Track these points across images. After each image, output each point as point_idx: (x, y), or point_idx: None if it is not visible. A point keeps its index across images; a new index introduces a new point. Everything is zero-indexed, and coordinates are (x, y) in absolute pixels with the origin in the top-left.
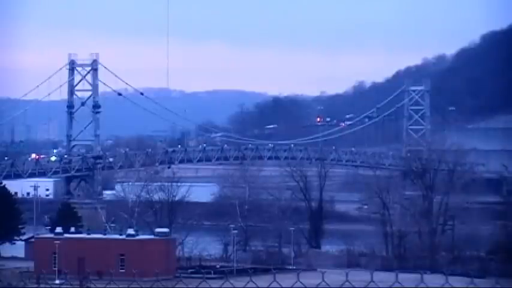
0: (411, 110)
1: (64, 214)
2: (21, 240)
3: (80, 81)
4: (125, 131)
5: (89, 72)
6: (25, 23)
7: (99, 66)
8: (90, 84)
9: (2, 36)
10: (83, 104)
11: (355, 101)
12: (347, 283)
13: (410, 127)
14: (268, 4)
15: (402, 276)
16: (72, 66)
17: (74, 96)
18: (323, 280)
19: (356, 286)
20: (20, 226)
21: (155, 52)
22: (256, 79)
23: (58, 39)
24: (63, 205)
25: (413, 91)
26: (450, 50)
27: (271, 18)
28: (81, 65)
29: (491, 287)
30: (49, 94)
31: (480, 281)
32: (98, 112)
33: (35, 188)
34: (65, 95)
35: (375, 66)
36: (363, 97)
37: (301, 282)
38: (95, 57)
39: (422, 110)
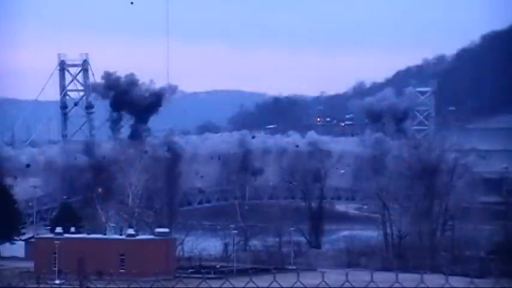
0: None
1: (64, 214)
2: (21, 240)
3: (71, 81)
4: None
5: (79, 72)
6: (25, 23)
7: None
8: (81, 84)
9: (2, 36)
10: (75, 104)
11: (355, 101)
12: (347, 283)
13: (413, 127)
14: (269, 4)
15: (402, 276)
16: (62, 67)
17: (67, 96)
18: (323, 280)
19: (356, 286)
20: (20, 226)
21: (155, 52)
22: (256, 79)
23: (58, 39)
24: (63, 205)
25: (420, 92)
26: (450, 50)
27: (272, 18)
28: (72, 65)
29: (491, 287)
30: (46, 94)
31: (480, 281)
32: (91, 113)
33: (35, 188)
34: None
35: (375, 66)
36: (363, 97)
37: (301, 282)
38: (84, 57)
39: (427, 110)
